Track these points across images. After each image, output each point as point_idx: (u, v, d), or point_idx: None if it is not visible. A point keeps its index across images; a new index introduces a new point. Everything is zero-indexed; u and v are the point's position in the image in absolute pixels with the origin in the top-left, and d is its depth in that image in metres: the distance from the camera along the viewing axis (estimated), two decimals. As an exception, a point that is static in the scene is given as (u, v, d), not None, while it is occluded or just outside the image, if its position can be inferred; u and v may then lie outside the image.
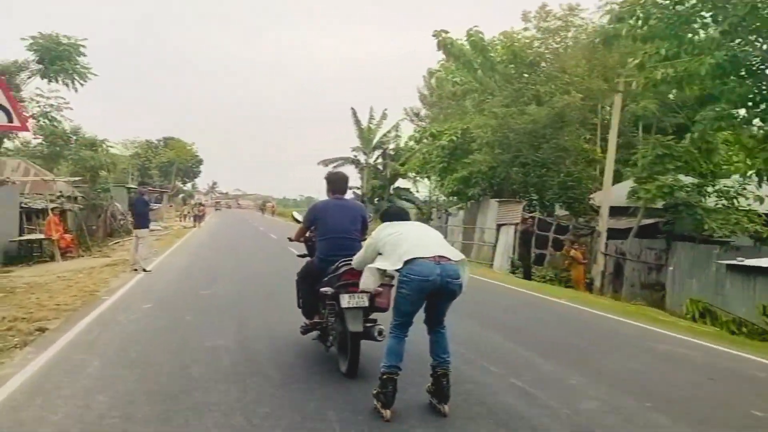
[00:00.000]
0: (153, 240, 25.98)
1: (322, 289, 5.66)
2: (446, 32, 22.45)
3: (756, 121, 13.20)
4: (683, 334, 9.37)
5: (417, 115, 36.31)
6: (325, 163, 47.47)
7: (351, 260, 5.48)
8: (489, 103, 23.42)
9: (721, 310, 13.87)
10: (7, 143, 37.84)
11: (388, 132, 46.56)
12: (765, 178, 13.39)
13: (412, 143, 32.44)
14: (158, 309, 9.00)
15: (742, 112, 13.15)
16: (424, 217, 37.85)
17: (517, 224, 21.12)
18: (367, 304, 5.38)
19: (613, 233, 19.38)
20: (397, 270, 4.64)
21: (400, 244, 4.72)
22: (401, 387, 4.67)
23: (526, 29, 24.92)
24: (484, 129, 22.90)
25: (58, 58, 18.35)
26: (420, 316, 4.83)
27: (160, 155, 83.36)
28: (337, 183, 6.34)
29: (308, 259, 6.56)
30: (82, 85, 19.24)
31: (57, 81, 19.05)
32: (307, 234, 6.56)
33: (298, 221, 6.92)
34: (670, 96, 21.04)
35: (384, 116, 46.64)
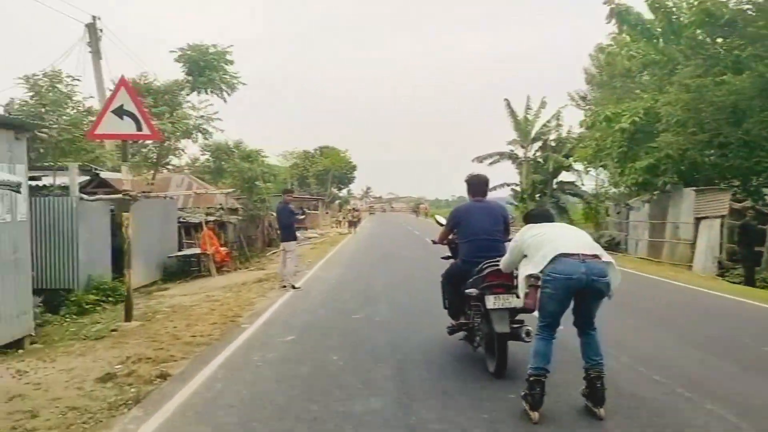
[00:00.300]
0: (305, 248, 25.79)
1: (467, 291, 5.75)
2: (619, -2, 19.16)
3: None
4: None
5: (584, 98, 32.44)
6: (479, 159, 44.88)
7: (495, 261, 5.53)
8: (680, 73, 19.59)
9: None
10: (175, 160, 39.97)
11: (548, 121, 42.89)
12: None
13: (581, 130, 28.96)
14: (301, 343, 7.35)
15: None
16: (593, 213, 34.12)
17: (723, 216, 17.30)
18: (512, 304, 5.40)
19: None
20: (540, 270, 4.56)
21: (544, 244, 4.67)
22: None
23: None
24: (674, 105, 19.15)
25: (206, 68, 17.95)
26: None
27: (317, 164, 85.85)
28: (476, 186, 6.40)
29: (452, 261, 6.64)
30: (229, 94, 18.76)
31: (206, 92, 18.73)
32: (450, 236, 6.66)
33: (441, 224, 7.05)
34: None
35: (543, 105, 43.04)
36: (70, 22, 70.45)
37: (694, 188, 19.21)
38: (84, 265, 12.35)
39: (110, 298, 12.31)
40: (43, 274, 12.06)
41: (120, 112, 8.83)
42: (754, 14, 19.86)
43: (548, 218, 5.30)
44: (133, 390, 5.63)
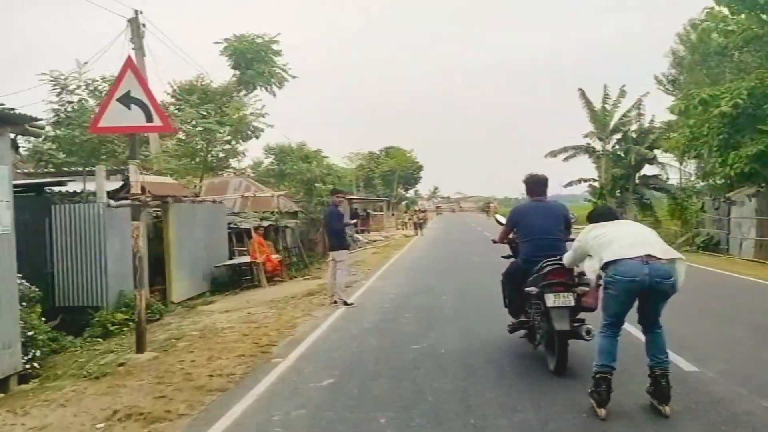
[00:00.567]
0: (366, 252, 24.11)
1: (527, 289, 5.79)
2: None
3: None
4: None
5: (673, 82, 29.11)
6: (553, 154, 41.99)
7: (555, 260, 5.56)
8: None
9: None
10: (238, 164, 39.23)
11: (628, 111, 39.60)
12: None
13: (669, 117, 25.97)
14: (340, 390, 5.55)
15: None
16: (679, 209, 30.82)
17: None
18: (572, 303, 5.42)
19: None
20: (602, 269, 4.58)
21: (607, 245, 4.63)
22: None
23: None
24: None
25: (254, 60, 16.51)
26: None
27: (382, 165, 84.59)
28: (534, 185, 6.39)
29: (513, 260, 6.63)
30: (279, 88, 17.28)
31: (255, 87, 17.31)
32: (511, 236, 6.63)
33: (501, 224, 6.99)
34: None
35: (622, 94, 39.76)
36: (109, 19, 71.95)
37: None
38: (114, 280, 11.04)
39: (147, 315, 10.95)
40: (67, 290, 10.83)
41: (127, 100, 7.31)
42: None
43: (612, 217, 5.19)
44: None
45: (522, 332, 6.50)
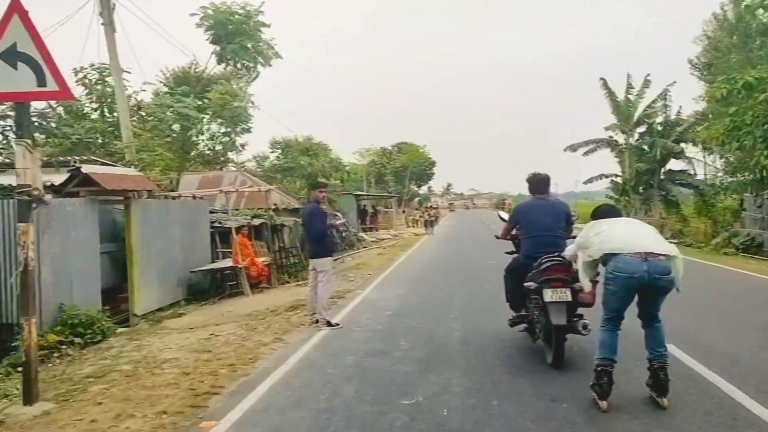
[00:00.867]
0: (371, 253, 21.80)
1: (526, 284, 5.93)
2: None
3: None
4: None
5: (709, 66, 26.45)
6: (573, 148, 39.58)
7: (554, 256, 5.71)
8: None
9: None
10: (239, 157, 37.28)
11: (654, 102, 37.15)
12: None
13: (702, 106, 23.56)
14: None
15: None
16: (706, 206, 28.45)
17: None
18: (569, 298, 5.49)
19: None
20: (602, 265, 4.76)
21: (606, 241, 4.72)
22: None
23: None
24: None
25: (236, 34, 14.41)
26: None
27: (394, 161, 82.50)
28: (536, 184, 6.54)
29: (515, 255, 6.70)
30: (264, 66, 15.21)
31: (236, 65, 15.25)
32: (514, 232, 6.71)
33: (504, 220, 7.05)
34: None
35: (646, 84, 37.30)
36: None
37: None
38: (51, 290, 9.09)
39: (87, 336, 9.01)
40: (-10, 304, 8.91)
41: (12, 56, 5.30)
42: None
43: (614, 215, 5.24)
44: None
45: (522, 326, 6.62)
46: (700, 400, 4.82)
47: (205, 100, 15.89)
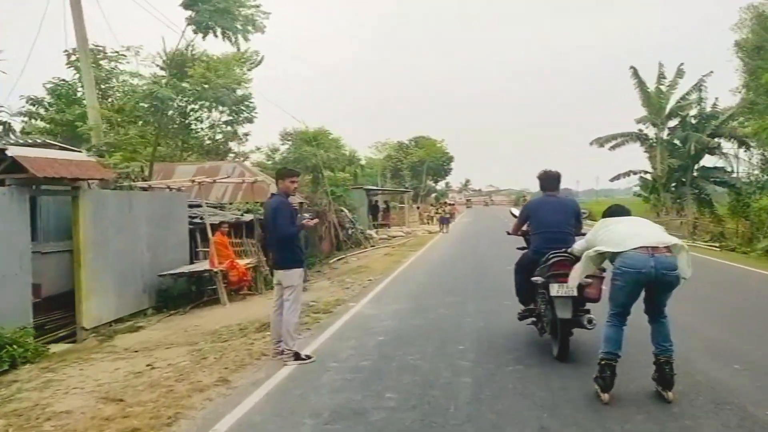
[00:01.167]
0: (377, 254, 19.63)
1: (533, 278, 6.03)
2: None
3: None
4: None
5: (759, 49, 23.66)
6: (600, 142, 37.11)
7: (561, 252, 5.80)
8: None
9: None
10: (243, 149, 35.36)
11: (687, 93, 34.61)
12: None
13: (752, 93, 21.05)
14: None
15: None
16: (741, 207, 25.95)
17: None
18: (575, 293, 5.53)
19: None
20: (611, 261, 4.83)
21: (613, 239, 4.80)
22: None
23: None
24: None
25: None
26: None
27: (411, 155, 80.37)
28: (546, 181, 6.57)
29: (525, 251, 6.72)
30: (246, 39, 13.13)
31: (215, 33, 13.19)
32: (524, 228, 6.72)
33: (515, 216, 7.11)
34: None
35: (679, 74, 34.78)
36: None
37: None
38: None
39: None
40: None
41: None
42: None
43: (624, 214, 5.28)
44: None
45: (530, 320, 6.63)
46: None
47: (190, 80, 13.89)
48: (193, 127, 27.65)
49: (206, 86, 14.49)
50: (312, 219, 7.25)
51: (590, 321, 5.60)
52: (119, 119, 14.04)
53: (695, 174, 34.83)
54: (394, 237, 30.90)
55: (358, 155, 52.22)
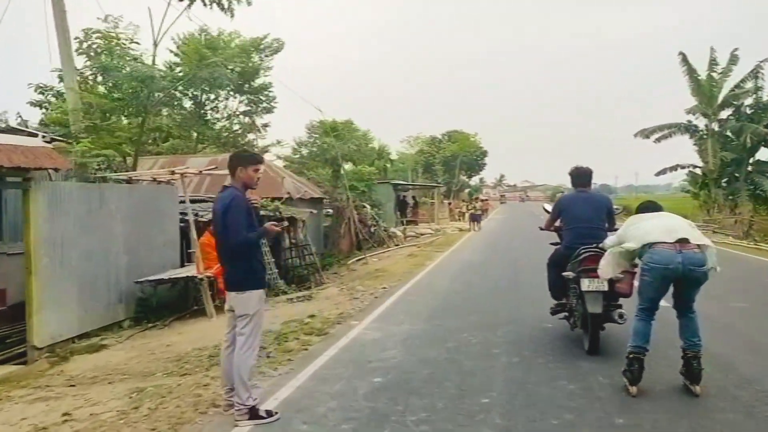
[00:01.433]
0: (401, 254, 17.93)
1: (564, 273, 6.20)
2: None
3: None
4: None
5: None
6: (645, 134, 34.51)
7: (592, 247, 5.87)
8: None
9: None
10: (274, 149, 33.79)
11: (742, 81, 31.83)
12: None
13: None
14: None
15: None
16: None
17: None
18: (605, 288, 5.62)
19: None
20: (639, 257, 4.91)
21: (642, 234, 4.85)
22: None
23: None
24: None
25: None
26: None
27: (444, 149, 78.31)
28: (578, 177, 6.69)
29: (558, 246, 6.82)
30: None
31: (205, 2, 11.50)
32: (557, 223, 6.84)
33: (548, 212, 7.16)
34: None
35: (733, 60, 32.02)
36: None
37: None
38: None
39: None
40: None
41: None
42: None
43: (656, 210, 5.29)
44: None
45: (562, 314, 6.69)
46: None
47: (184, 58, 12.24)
48: (208, 117, 26.23)
49: (202, 63, 12.81)
50: (278, 223, 5.39)
51: (621, 316, 5.70)
52: (104, 103, 12.46)
53: (750, 168, 32.06)
54: (422, 234, 29.00)
55: (388, 149, 50.41)
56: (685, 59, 32.74)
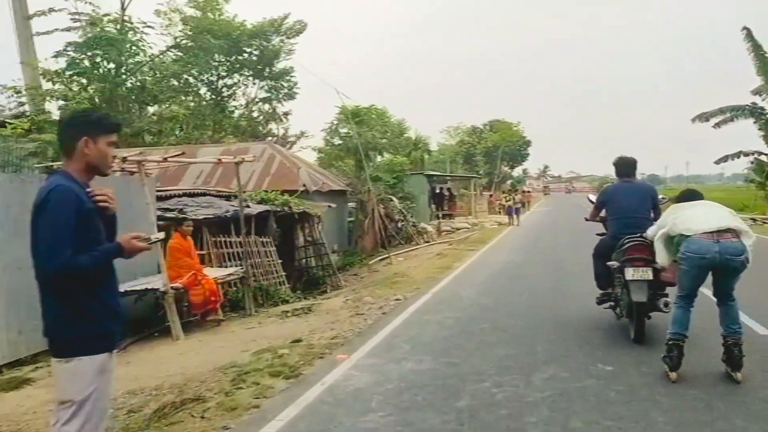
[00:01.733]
0: (432, 251, 15.78)
1: (609, 263, 6.23)
2: None
3: None
4: None
5: None
6: (704, 117, 31.31)
7: (636, 237, 5.87)
8: None
9: None
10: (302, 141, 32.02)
11: (816, 56, 28.42)
12: None
13: None
14: None
15: None
16: None
17: None
18: (650, 277, 5.64)
19: None
20: (677, 246, 4.87)
21: (680, 223, 4.88)
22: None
23: None
24: None
25: None
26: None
27: (485, 140, 75.65)
28: (622, 167, 6.68)
29: (603, 236, 6.86)
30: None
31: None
32: (602, 214, 6.89)
33: (592, 202, 7.19)
34: None
35: (807, 31, 28.57)
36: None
37: None
38: None
39: None
40: None
41: None
42: None
43: (696, 198, 5.28)
44: None
45: (608, 304, 6.65)
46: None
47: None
48: (225, 105, 24.56)
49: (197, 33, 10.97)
50: (148, 237, 3.23)
51: (666, 304, 5.64)
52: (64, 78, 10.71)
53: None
54: (458, 229, 26.80)
55: (425, 140, 48.08)
56: (749, 34, 29.46)
